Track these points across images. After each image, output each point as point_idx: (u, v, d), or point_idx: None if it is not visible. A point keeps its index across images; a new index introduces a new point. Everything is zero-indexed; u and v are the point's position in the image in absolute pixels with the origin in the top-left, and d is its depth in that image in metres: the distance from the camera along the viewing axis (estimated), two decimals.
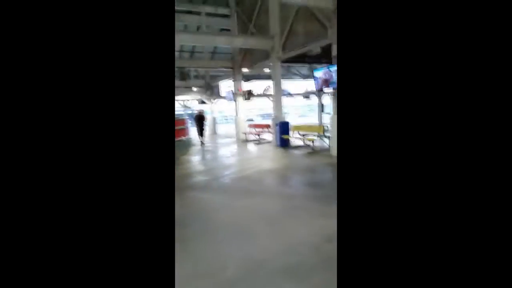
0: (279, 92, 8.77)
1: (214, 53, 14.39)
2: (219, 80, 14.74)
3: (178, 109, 23.41)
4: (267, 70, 10.32)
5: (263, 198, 3.80)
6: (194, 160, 7.44)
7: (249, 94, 11.79)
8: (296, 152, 7.57)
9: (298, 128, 8.67)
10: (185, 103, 20.49)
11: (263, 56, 9.48)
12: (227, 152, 8.49)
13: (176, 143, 8.54)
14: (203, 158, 7.72)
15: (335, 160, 5.97)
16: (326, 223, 2.80)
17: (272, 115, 9.05)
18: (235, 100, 11.71)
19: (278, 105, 8.81)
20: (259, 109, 28.52)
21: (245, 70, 10.38)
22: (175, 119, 9.20)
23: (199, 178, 5.21)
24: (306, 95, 18.06)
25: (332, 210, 3.14)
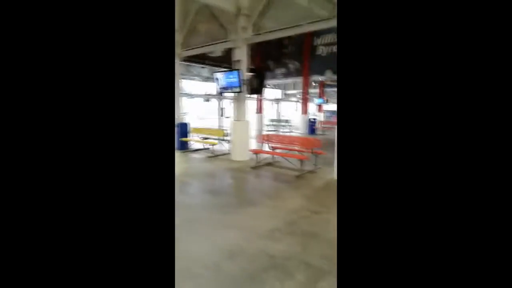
0: (178, 91, 8.22)
1: None
2: None
3: None
4: (215, 55, 9.49)
5: None
6: None
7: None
8: (196, 155, 7.24)
9: (198, 130, 8.34)
10: None
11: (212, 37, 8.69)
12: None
13: None
14: None
15: (235, 165, 5.99)
16: (227, 235, 2.65)
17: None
18: None
19: (177, 104, 8.24)
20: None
21: (185, 53, 9.22)
22: None
23: None
24: (207, 98, 17.91)
25: (234, 219, 3.02)
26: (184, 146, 7.88)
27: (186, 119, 8.39)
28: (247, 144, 6.66)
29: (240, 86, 6.30)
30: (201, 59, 9.81)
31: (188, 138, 7.91)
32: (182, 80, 8.14)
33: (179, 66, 8.10)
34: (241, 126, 6.64)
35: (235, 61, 6.51)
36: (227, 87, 6.61)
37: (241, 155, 6.55)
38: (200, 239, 2.58)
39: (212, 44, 7.28)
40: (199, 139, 7.84)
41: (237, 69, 6.31)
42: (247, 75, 6.44)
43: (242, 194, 3.92)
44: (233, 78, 6.35)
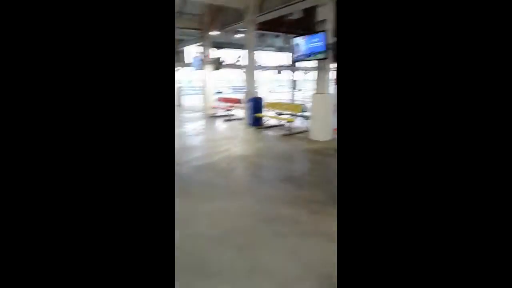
0: (252, 63, 7.62)
1: (181, 12, 12.46)
2: (185, 45, 12.95)
3: None
4: (238, 36, 8.97)
5: (231, 201, 2.89)
6: None
7: (218, 63, 10.43)
8: (271, 133, 6.68)
9: (273, 105, 7.71)
10: None
11: (236, 18, 8.11)
12: (192, 129, 7.32)
13: None
14: None
15: (316, 146, 5.20)
16: (329, 248, 1.98)
17: (244, 89, 7.96)
18: (202, 69, 10.28)
19: (250, 78, 7.70)
20: (229, 81, 26.76)
21: (214, 33, 8.90)
22: None
23: None
24: (279, 70, 17.00)
25: (326, 224, 2.32)
26: (257, 122, 7.41)
27: (259, 93, 7.82)
28: (330, 121, 5.71)
29: (325, 51, 5.27)
30: (277, 24, 8.94)
31: (262, 114, 7.38)
32: (255, 52, 7.48)
33: (254, 34, 7.40)
34: (323, 100, 5.69)
35: (319, 21, 5.45)
36: (309, 53, 5.65)
37: (323, 134, 5.67)
38: (292, 253, 1.97)
39: (292, 4, 6.27)
40: (274, 115, 7.22)
41: (322, 31, 5.26)
42: (333, 38, 5.33)
43: (330, 187, 3.18)
44: (317, 42, 5.34)
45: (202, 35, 9.69)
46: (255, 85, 7.82)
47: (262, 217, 2.49)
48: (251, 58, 7.55)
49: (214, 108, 9.64)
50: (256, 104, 7.38)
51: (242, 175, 3.87)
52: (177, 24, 10.50)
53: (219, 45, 12.41)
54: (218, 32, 8.99)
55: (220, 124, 8.05)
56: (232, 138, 6.05)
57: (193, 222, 2.44)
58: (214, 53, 10.38)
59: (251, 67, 7.62)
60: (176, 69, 14.23)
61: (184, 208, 2.66)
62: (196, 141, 5.97)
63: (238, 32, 9.25)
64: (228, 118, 8.73)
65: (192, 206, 2.75)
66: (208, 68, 10.13)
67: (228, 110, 8.90)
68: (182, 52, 13.75)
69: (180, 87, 14.46)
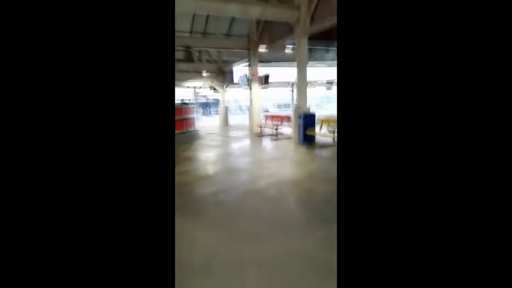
0: (304, 77, 7.05)
1: (229, 35, 12.74)
2: (232, 65, 13.08)
3: (189, 96, 22.13)
4: (288, 51, 8.56)
5: (284, 244, 2.23)
6: (195, 158, 5.96)
7: (265, 80, 10.13)
8: (324, 153, 5.91)
9: (327, 121, 6.96)
10: (197, 89, 19.09)
11: (285, 31, 7.73)
12: (238, 149, 6.93)
13: (177, 136, 7.07)
14: (207, 157, 6.22)
15: None
16: None
17: (292, 105, 7.39)
18: (249, 87, 10.06)
19: (302, 93, 7.11)
20: (274, 99, 26.60)
21: (262, 49, 8.62)
22: (176, 107, 7.72)
23: (193, 190, 3.70)
24: (329, 85, 16.17)
25: None
26: (309, 140, 6.70)
27: (311, 110, 7.16)
28: None
29: None
30: (326, 38, 8.36)
31: (313, 132, 6.67)
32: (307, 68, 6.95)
33: (305, 45, 6.88)
34: None
35: None
36: None
37: None
38: None
39: None
40: (328, 133, 6.45)
41: None
42: None
43: None
44: None
45: (250, 53, 9.53)
46: (307, 101, 7.20)
47: (327, 270, 1.77)
48: (302, 72, 7.00)
49: (261, 127, 9.22)
50: (308, 121, 6.71)
51: (295, 206, 3.19)
52: (225, 44, 10.61)
53: (266, 62, 12.25)
54: (265, 50, 8.71)
55: (268, 144, 7.54)
56: (282, 159, 5.44)
57: (235, 275, 1.83)
58: (261, 70, 10.13)
59: (302, 81, 7.05)
60: (224, 89, 14.40)
61: (225, 249, 2.08)
62: (242, 162, 5.50)
63: (287, 47, 8.87)
64: (276, 137, 8.19)
65: (236, 249, 2.17)
66: (255, 85, 9.88)
67: (276, 128, 8.37)
68: (231, 72, 13.94)
69: (226, 106, 14.54)
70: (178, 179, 4.08)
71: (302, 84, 7.04)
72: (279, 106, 30.36)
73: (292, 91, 22.05)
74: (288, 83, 18.50)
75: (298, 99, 7.21)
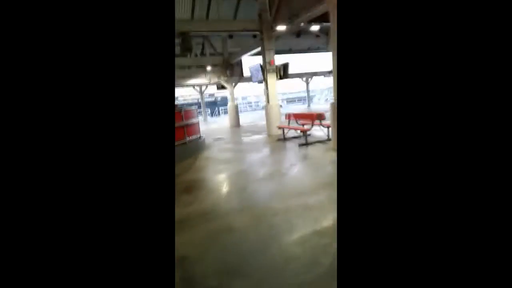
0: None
1: (235, 20, 10.82)
2: (241, 56, 11.14)
3: (193, 96, 20.31)
4: (315, 28, 6.59)
5: None
6: (198, 186, 4.12)
7: (284, 70, 8.18)
8: None
9: None
10: (202, 88, 17.26)
11: (310, 2, 5.76)
12: (257, 166, 5.01)
13: (176, 149, 5.25)
14: (214, 184, 4.38)
15: None
16: None
17: (308, 99, 5.44)
18: (264, 80, 8.14)
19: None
20: (282, 93, 24.29)
21: (281, 28, 6.64)
22: (176, 110, 5.90)
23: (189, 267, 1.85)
24: None
25: None
26: None
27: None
28: None
29: None
30: None
31: None
32: (327, 54, 4.97)
33: None
34: None
35: None
36: None
37: None
38: None
39: None
40: None
41: None
42: None
43: None
44: None
45: (263, 37, 7.58)
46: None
47: None
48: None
49: (282, 128, 7.30)
50: None
51: None
52: (232, 26, 8.68)
53: (281, 52, 10.25)
54: (285, 28, 6.74)
55: (297, 153, 5.61)
56: (324, 185, 3.51)
57: None
58: (277, 59, 8.19)
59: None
60: (232, 85, 12.50)
61: None
62: (264, 192, 3.59)
63: (312, 26, 6.87)
64: (305, 142, 6.26)
65: None
66: (272, 77, 7.95)
67: (304, 131, 6.43)
68: (239, 64, 12.00)
69: (236, 105, 12.65)
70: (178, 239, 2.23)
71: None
72: (291, 101, 28.15)
73: (307, 83, 19.98)
74: (319, 72, 16.53)
75: (335, 88, 5.24)
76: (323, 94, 28.04)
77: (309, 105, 20.37)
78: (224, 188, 3.99)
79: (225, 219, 2.80)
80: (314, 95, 27.34)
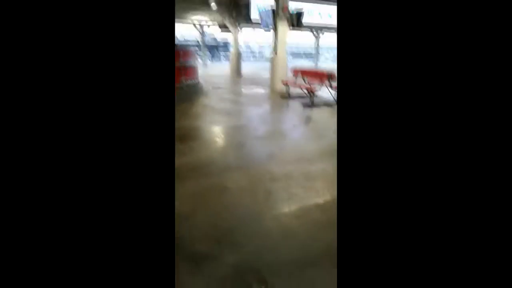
0: None
1: None
2: None
3: (192, 35, 18.83)
4: None
5: None
6: (193, 135, 3.83)
7: (298, 19, 7.37)
8: None
9: None
10: (204, 28, 15.89)
11: None
12: (256, 123, 4.68)
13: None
14: (210, 136, 4.08)
15: None
16: None
17: (316, 56, 4.95)
18: (275, 27, 7.34)
19: None
20: (289, 46, 22.64)
21: None
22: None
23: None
24: None
25: None
26: None
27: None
28: None
29: None
30: None
31: None
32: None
33: None
34: None
35: None
36: None
37: None
38: None
39: None
40: None
41: None
42: None
43: None
44: None
45: None
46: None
47: None
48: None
49: (287, 85, 6.80)
50: None
51: None
52: None
53: None
54: None
55: (301, 113, 5.26)
56: (336, 154, 3.27)
57: None
58: (292, 5, 7.29)
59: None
60: (238, 28, 11.45)
61: None
62: (271, 155, 3.32)
63: None
64: (311, 103, 5.86)
65: None
66: (283, 26, 7.16)
67: (310, 91, 5.97)
68: (247, 6, 10.81)
69: (239, 53, 11.76)
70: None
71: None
72: (296, 55, 26.49)
73: (318, 37, 18.59)
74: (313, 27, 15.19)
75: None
76: (331, 54, 26.46)
77: (317, 63, 19.31)
78: (220, 142, 3.72)
79: (219, 176, 2.56)
80: (321, 54, 25.82)
